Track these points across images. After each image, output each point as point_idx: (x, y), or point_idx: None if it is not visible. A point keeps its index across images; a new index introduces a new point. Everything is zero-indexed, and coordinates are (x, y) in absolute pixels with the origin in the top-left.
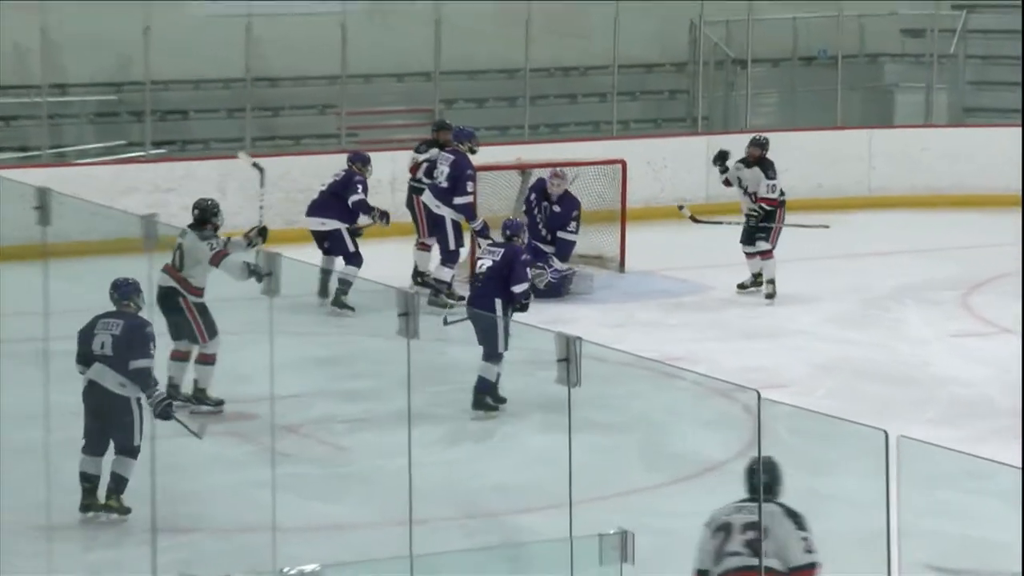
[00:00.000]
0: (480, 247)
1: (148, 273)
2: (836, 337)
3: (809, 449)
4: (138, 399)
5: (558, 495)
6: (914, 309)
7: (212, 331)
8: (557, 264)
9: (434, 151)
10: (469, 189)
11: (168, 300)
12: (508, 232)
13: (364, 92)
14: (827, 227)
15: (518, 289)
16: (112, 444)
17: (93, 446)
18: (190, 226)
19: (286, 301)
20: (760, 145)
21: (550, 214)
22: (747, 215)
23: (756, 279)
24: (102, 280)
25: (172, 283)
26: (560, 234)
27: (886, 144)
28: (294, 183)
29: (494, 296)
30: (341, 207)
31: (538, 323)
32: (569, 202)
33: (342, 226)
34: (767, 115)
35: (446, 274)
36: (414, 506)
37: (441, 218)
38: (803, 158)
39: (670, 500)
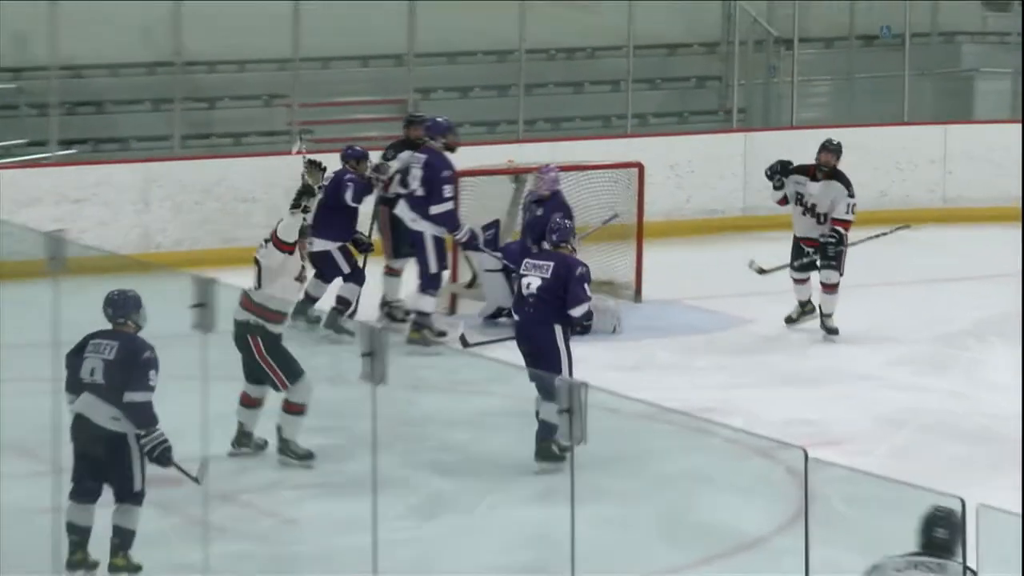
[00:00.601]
0: (469, 261)
1: (53, 301)
2: (902, 383)
3: (868, 520)
4: (137, 435)
5: None
6: (998, 347)
7: (293, 374)
8: None
9: (406, 154)
10: (447, 194)
11: (242, 339)
12: (555, 238)
13: (321, 79)
14: (908, 226)
15: (577, 312)
16: (109, 490)
17: (83, 492)
18: (266, 240)
19: (223, 338)
20: (836, 152)
21: (531, 218)
22: (822, 243)
23: (804, 307)
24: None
25: (246, 316)
26: (545, 245)
27: (964, 143)
28: (233, 190)
29: (551, 322)
30: (337, 223)
31: None
32: (554, 205)
33: (332, 246)
34: (818, 107)
35: (428, 303)
36: None
37: (419, 235)
38: (863, 160)
39: None
